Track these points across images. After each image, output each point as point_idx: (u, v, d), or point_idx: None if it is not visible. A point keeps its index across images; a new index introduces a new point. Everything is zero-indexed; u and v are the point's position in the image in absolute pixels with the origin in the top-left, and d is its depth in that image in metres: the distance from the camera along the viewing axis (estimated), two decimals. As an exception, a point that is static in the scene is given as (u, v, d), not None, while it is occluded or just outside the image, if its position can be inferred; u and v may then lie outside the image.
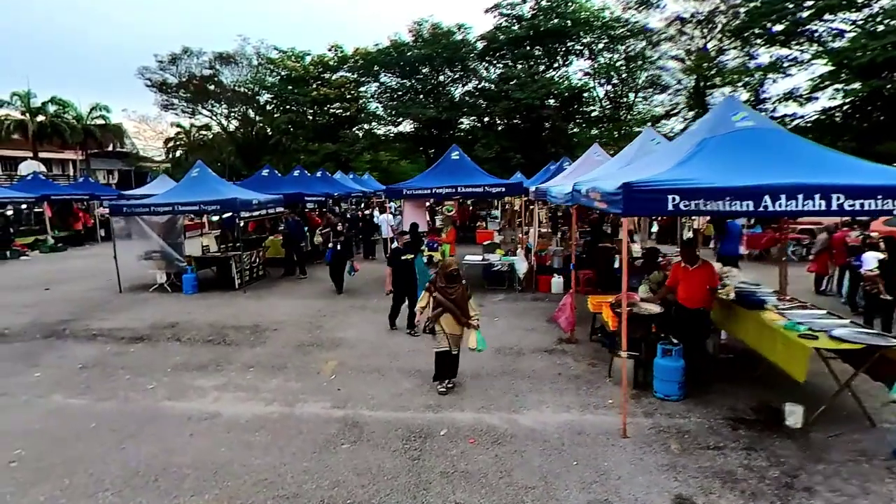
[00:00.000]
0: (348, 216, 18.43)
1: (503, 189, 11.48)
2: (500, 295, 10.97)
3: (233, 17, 73.81)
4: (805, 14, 26.09)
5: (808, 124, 28.16)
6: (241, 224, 13.85)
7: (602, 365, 6.78)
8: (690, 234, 18.63)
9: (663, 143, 8.81)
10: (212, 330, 8.76)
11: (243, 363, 7.11)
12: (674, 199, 4.71)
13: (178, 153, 45.38)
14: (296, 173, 18.23)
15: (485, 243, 14.03)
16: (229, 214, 12.92)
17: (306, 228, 15.34)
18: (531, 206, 13.88)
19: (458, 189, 11.17)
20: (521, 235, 14.49)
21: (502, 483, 4.20)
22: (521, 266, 11.21)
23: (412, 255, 8.27)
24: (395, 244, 13.49)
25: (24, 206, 23.40)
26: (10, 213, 20.82)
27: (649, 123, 37.63)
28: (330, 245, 11.50)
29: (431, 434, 5.03)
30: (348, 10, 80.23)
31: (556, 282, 11.08)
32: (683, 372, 5.69)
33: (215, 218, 13.90)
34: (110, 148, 44.29)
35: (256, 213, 12.61)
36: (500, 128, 40.34)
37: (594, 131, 40.11)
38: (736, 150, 5.24)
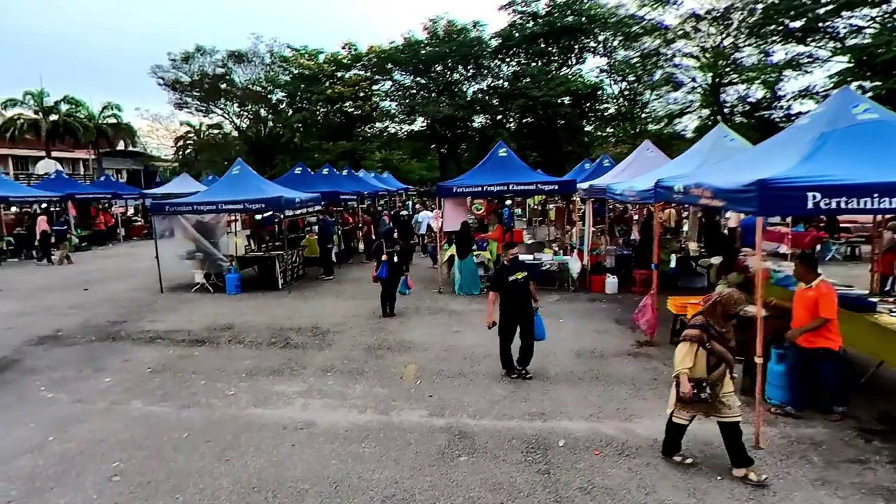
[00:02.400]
0: (386, 213, 17.95)
1: (556, 186, 11.19)
2: (554, 295, 10.67)
3: (245, 16, 73.60)
4: (822, 10, 25.65)
5: None
6: (277, 223, 13.63)
7: (695, 369, 6.49)
8: (725, 232, 18.35)
9: (738, 140, 8.52)
10: (271, 332, 8.49)
11: (318, 367, 6.84)
12: (814, 197, 4.42)
13: (187, 151, 45.20)
14: (325, 171, 18.04)
15: (527, 242, 13.75)
16: (269, 213, 12.66)
17: (340, 228, 15.13)
18: (551, 205, 13.57)
19: (510, 186, 10.87)
20: (559, 233, 14.22)
21: (650, 500, 3.93)
22: (575, 266, 10.92)
23: (524, 274, 6.29)
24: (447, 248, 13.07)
25: (44, 205, 23.27)
26: (38, 212, 20.54)
27: (665, 121, 37.52)
28: (384, 258, 9.05)
29: (549, 445, 4.75)
30: (360, 7, 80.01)
31: (611, 282, 10.80)
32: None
33: (258, 217, 13.63)
34: (121, 147, 43.98)
35: (300, 212, 12.31)
36: (509, 125, 40.09)
37: (609, 129, 39.87)
38: (864, 144, 4.93)
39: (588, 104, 38.49)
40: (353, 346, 7.72)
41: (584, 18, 36.15)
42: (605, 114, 39.66)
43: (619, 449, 4.66)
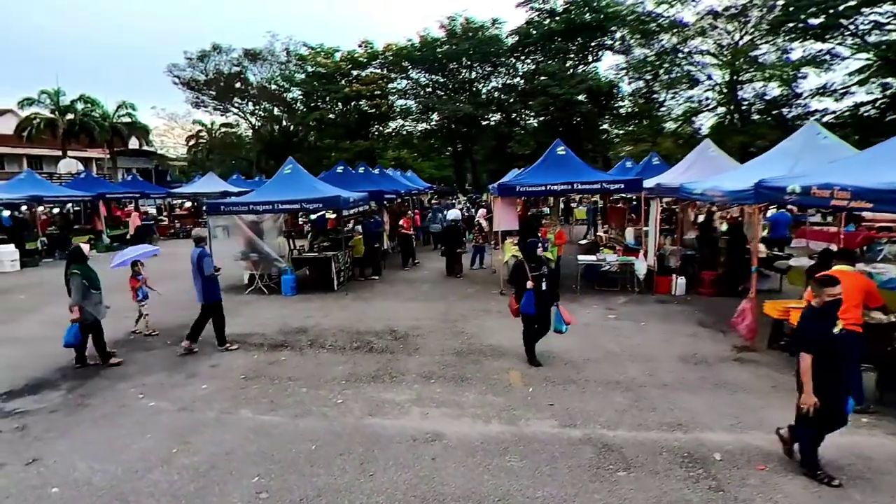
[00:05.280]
0: (445, 214, 17.00)
1: (622, 185, 10.95)
2: (620, 297, 10.45)
3: (245, 15, 73.33)
4: (843, 6, 25.31)
5: (835, 120, 27.51)
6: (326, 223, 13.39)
7: (812, 376, 6.27)
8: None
9: (832, 138, 8.25)
10: (348, 336, 8.26)
11: (417, 374, 6.61)
12: None
13: (198, 150, 45.04)
14: (360, 170, 17.78)
15: (581, 242, 13.51)
16: (320, 213, 12.44)
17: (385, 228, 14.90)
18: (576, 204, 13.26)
19: (574, 185, 10.64)
20: (614, 232, 14.00)
21: (846, 520, 3.71)
22: (641, 267, 10.68)
23: (841, 325, 4.17)
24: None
25: (69, 205, 23.07)
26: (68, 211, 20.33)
27: (682, 119, 37.24)
28: (530, 285, 6.45)
29: (705, 459, 4.52)
30: (360, 7, 79.69)
31: (680, 283, 10.56)
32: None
33: (313, 217, 13.40)
34: (135, 146, 43.70)
35: (353, 211, 12.10)
36: (524, 122, 39.80)
37: (630, 127, 39.58)
38: None
39: (605, 101, 38.23)
40: (441, 351, 7.49)
41: (601, 16, 35.89)
42: (623, 111, 39.39)
43: (783, 463, 4.43)
